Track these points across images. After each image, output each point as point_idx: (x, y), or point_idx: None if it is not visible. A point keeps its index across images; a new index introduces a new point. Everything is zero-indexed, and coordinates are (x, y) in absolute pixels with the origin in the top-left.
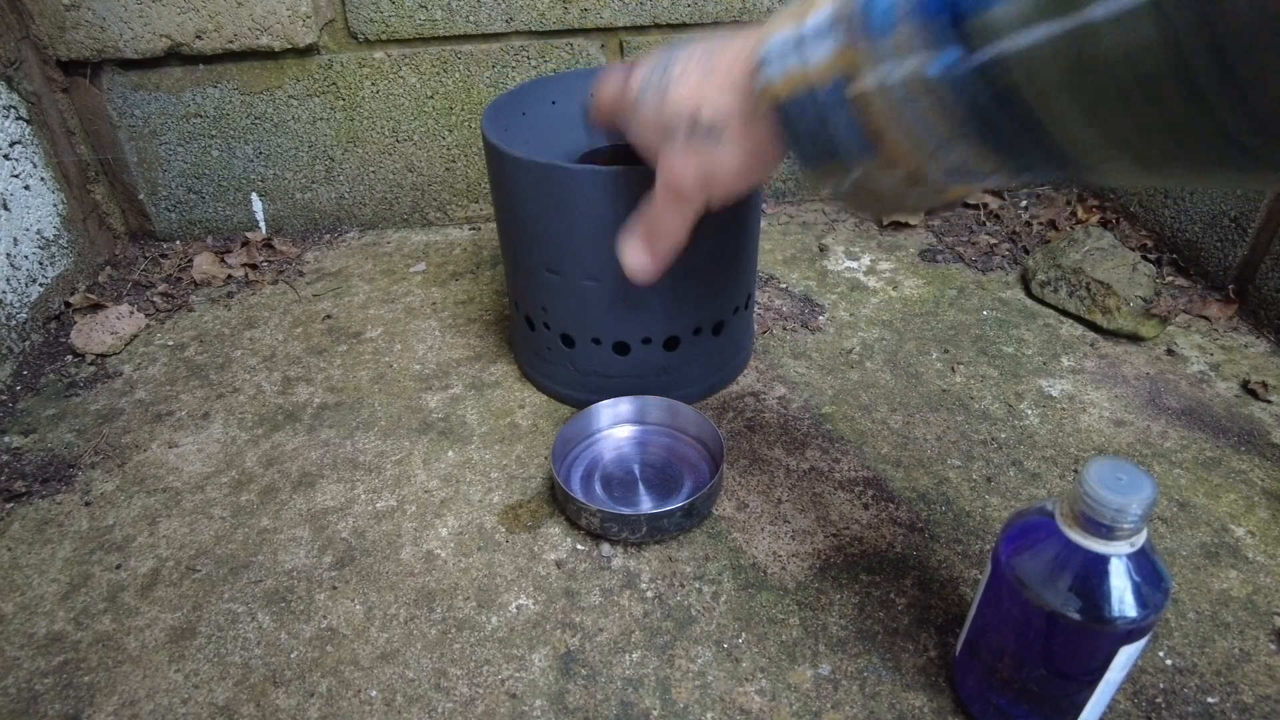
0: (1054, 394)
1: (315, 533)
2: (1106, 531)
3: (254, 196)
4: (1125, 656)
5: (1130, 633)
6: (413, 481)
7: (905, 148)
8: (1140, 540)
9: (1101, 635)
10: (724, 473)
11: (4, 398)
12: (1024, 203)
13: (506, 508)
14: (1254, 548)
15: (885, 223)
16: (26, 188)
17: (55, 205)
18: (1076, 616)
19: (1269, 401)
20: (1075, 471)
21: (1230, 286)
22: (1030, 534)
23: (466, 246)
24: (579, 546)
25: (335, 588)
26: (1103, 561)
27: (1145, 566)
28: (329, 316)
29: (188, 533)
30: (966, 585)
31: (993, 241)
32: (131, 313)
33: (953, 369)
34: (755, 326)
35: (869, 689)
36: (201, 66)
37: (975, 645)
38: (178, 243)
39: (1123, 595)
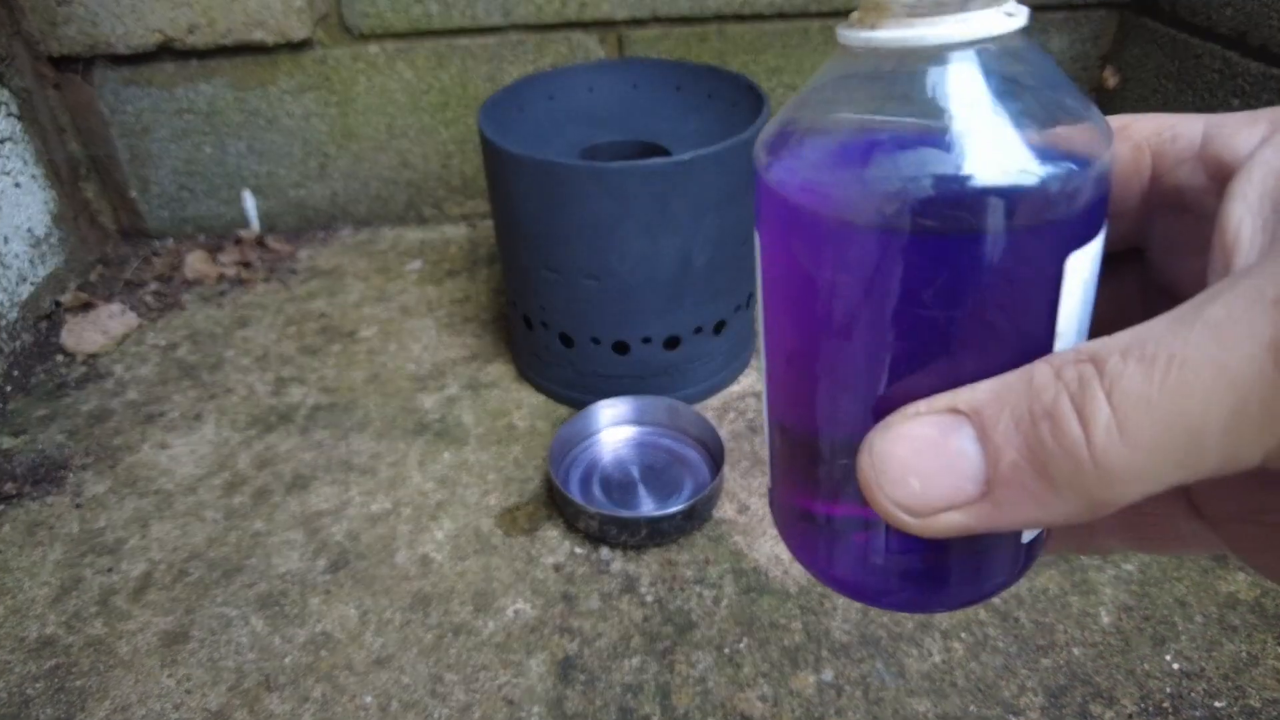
0: None
1: (309, 536)
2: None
3: (247, 194)
4: (1077, 283)
5: (1071, 222)
6: (408, 484)
7: None
8: (1010, 17)
9: (1018, 238)
10: (725, 475)
11: None
12: None
13: (503, 510)
14: None
15: None
16: (17, 185)
17: (46, 203)
18: (948, 212)
19: None
20: None
21: None
22: (799, 112)
23: (463, 244)
24: (577, 550)
25: (329, 592)
26: (959, 64)
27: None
28: (323, 315)
29: (180, 535)
30: None
31: None
32: (123, 312)
33: None
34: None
35: (872, 694)
36: (194, 62)
37: (785, 433)
38: (170, 241)
39: (1020, 121)
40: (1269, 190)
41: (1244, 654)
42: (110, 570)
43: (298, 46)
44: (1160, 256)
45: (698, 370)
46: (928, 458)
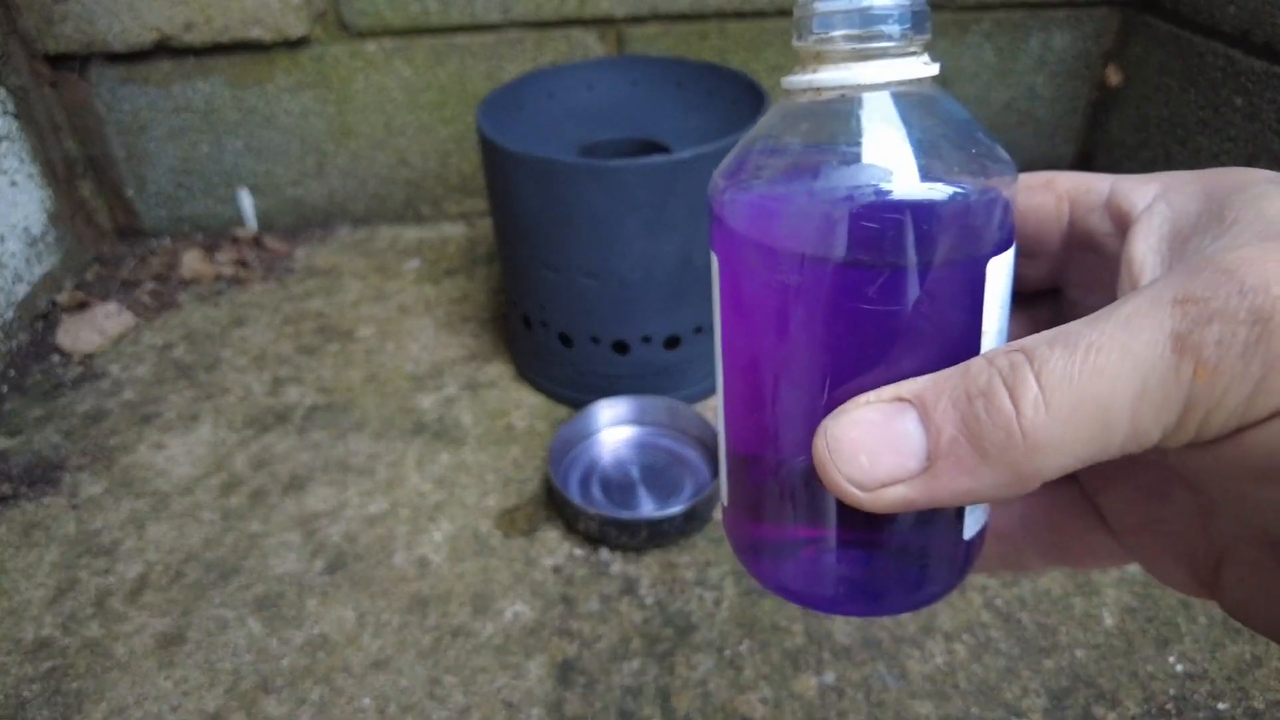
0: None
1: (306, 537)
2: (864, 23)
3: (243, 192)
4: (999, 285)
5: (988, 230)
6: (405, 485)
7: None
8: (926, 66)
9: (944, 246)
10: None
11: None
12: None
13: (502, 511)
14: None
15: None
16: (13, 184)
17: (42, 202)
18: (879, 223)
19: None
20: None
21: None
22: (746, 147)
23: (461, 243)
24: (577, 551)
25: (326, 593)
26: (884, 100)
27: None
28: (320, 315)
29: (176, 536)
30: (975, 590)
31: None
32: (119, 311)
33: None
34: None
35: (874, 697)
36: (191, 59)
37: (739, 452)
38: (166, 240)
39: (938, 146)
40: (1165, 233)
41: (1247, 655)
42: (106, 572)
43: (295, 44)
44: (1076, 292)
45: (698, 370)
46: (875, 438)
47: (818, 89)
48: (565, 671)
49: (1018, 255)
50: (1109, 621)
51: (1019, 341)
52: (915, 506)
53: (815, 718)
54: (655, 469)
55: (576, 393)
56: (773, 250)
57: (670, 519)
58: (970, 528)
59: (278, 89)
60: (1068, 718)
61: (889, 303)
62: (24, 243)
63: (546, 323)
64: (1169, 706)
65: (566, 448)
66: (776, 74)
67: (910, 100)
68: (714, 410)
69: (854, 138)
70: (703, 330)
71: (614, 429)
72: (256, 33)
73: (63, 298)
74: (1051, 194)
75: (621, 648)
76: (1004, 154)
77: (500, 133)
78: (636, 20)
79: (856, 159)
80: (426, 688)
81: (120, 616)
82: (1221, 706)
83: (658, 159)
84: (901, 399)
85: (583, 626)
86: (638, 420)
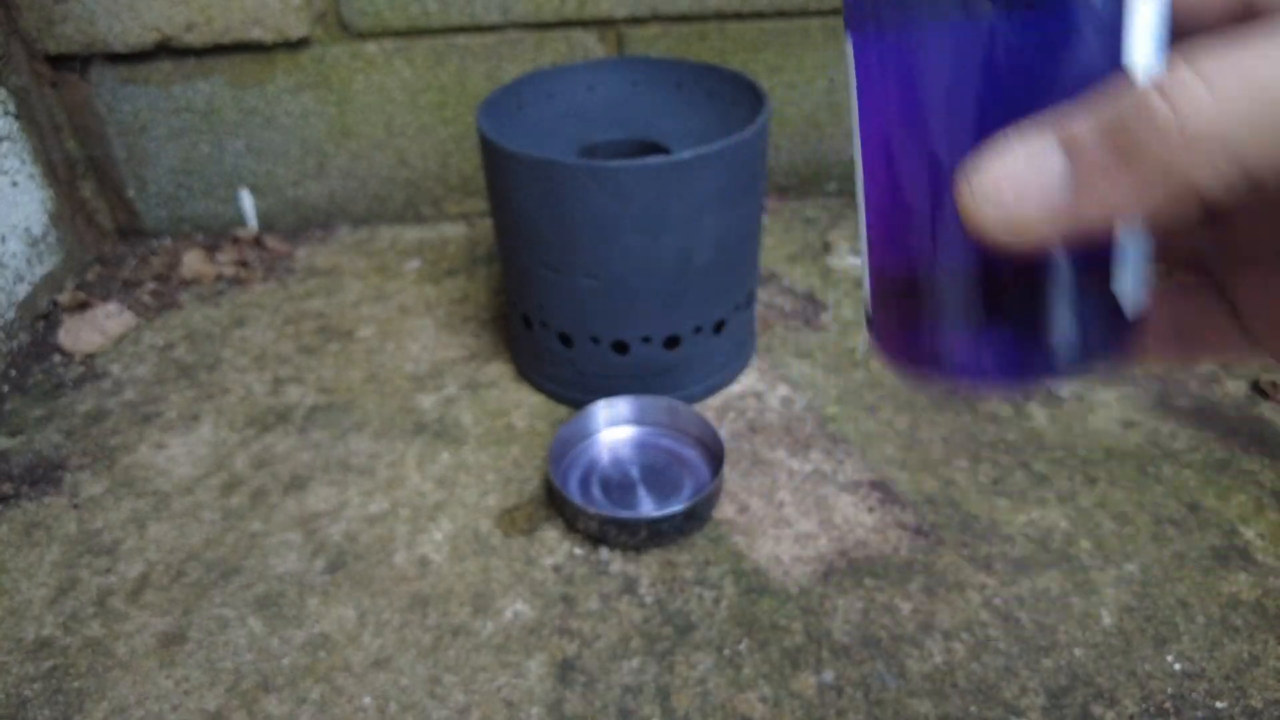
0: (1062, 394)
1: (306, 536)
2: None
3: (244, 192)
4: (1147, 15)
5: None
6: (406, 484)
7: None
8: None
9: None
10: (725, 475)
11: None
12: None
13: (502, 511)
14: (1264, 550)
15: None
16: (14, 184)
17: (43, 202)
18: None
19: (1279, 402)
20: (1084, 474)
21: None
22: None
23: (461, 243)
24: (577, 551)
25: (327, 593)
26: None
27: None
28: (320, 315)
29: (177, 536)
30: (974, 589)
31: None
32: (120, 311)
33: None
34: (757, 325)
35: (873, 696)
36: (191, 60)
37: (887, 238)
38: (167, 240)
39: None
40: None
41: (1245, 654)
42: (108, 571)
43: (296, 45)
44: None
45: (697, 370)
46: (1018, 167)
47: None
48: (565, 670)
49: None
50: (1107, 620)
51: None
52: (1063, 234)
53: (814, 716)
54: (655, 469)
55: (576, 393)
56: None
57: (670, 518)
58: (1129, 291)
59: (278, 90)
60: (1066, 716)
61: (1031, 46)
62: (25, 243)
63: (546, 323)
64: (1167, 705)
65: (566, 447)
66: (776, 75)
67: None
68: (713, 410)
69: None
70: (702, 330)
71: (614, 429)
72: (257, 33)
73: (64, 298)
74: None
75: (621, 647)
76: None
77: (500, 133)
78: (636, 21)
79: None
80: (427, 686)
81: (121, 616)
82: (1220, 705)
83: (657, 160)
84: (1043, 130)
85: (582, 625)
86: (637, 420)
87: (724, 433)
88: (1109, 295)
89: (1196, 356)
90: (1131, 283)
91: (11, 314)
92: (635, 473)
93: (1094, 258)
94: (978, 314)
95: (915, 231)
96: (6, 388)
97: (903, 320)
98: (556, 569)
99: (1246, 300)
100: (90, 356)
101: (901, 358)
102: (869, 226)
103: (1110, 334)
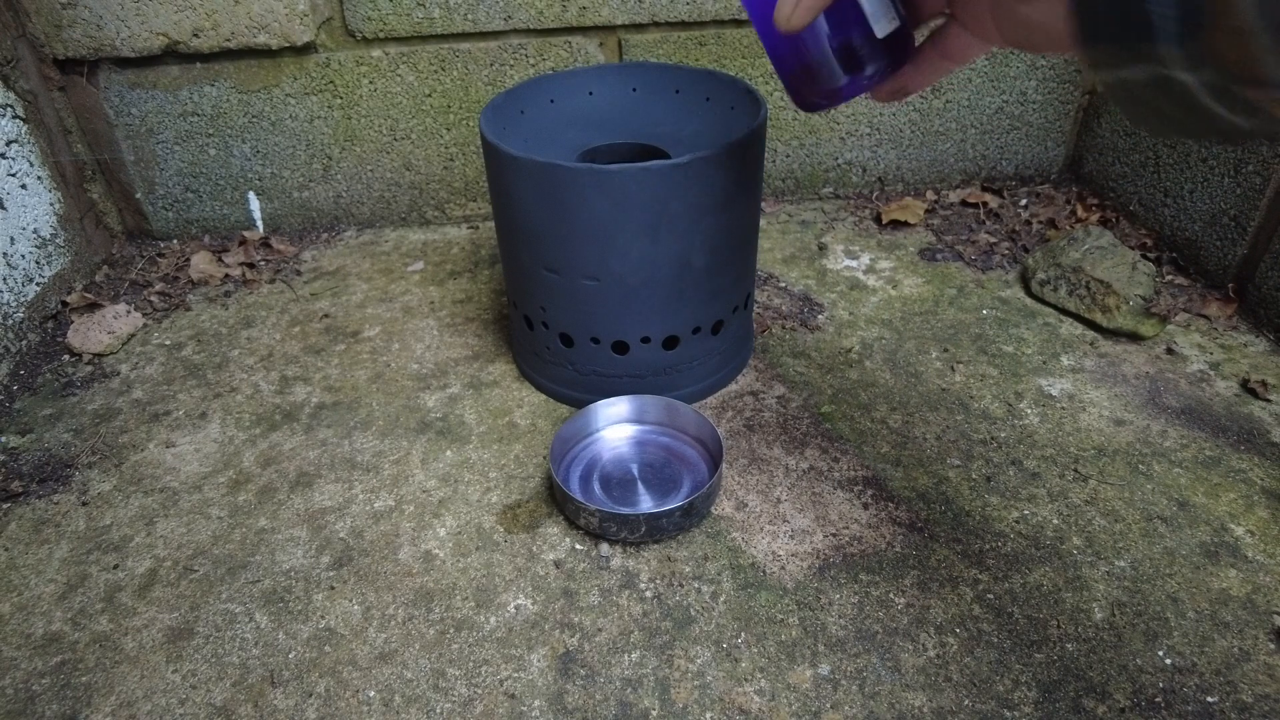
0: (1054, 393)
1: (313, 533)
2: None
3: (251, 195)
4: None
5: None
6: (411, 481)
7: (1247, 23)
8: None
9: None
10: (723, 472)
11: (1, 398)
12: (1024, 201)
13: (505, 508)
14: (1253, 547)
15: (885, 221)
16: (23, 187)
17: (52, 204)
18: None
19: (1269, 400)
20: (1075, 471)
21: (1230, 285)
22: None
23: (465, 245)
24: (578, 546)
25: (333, 588)
26: None
27: None
28: (326, 316)
29: (185, 533)
30: (967, 585)
31: (992, 240)
32: (129, 312)
33: (952, 368)
34: (754, 326)
35: (868, 689)
36: (198, 65)
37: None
38: (175, 242)
39: None
40: None
41: (1236, 649)
42: (116, 567)
43: (301, 50)
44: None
45: (696, 370)
46: None
47: None
48: (566, 663)
49: None
50: (1099, 615)
51: None
52: (822, 8)
53: (811, 709)
54: (654, 466)
55: (577, 392)
56: None
57: (669, 514)
58: (879, 27)
59: (284, 94)
60: (1058, 710)
61: None
62: (34, 244)
63: (548, 323)
64: (1158, 699)
65: (567, 445)
66: (773, 80)
67: None
68: (712, 409)
69: None
70: (700, 331)
71: (614, 427)
72: (263, 39)
73: (72, 298)
74: None
75: (621, 640)
76: None
77: (503, 138)
78: (636, 28)
79: None
80: (431, 680)
81: (129, 611)
82: (1210, 700)
83: (657, 164)
84: None
85: (583, 619)
86: (637, 419)
87: (722, 431)
88: (871, 31)
89: (953, 66)
90: (876, 18)
91: (21, 314)
92: (635, 470)
93: (851, 13)
94: (831, 69)
95: (785, 43)
96: (16, 387)
97: (799, 86)
98: (558, 564)
99: (961, 14)
100: (99, 356)
101: (806, 104)
102: (769, 51)
103: (880, 51)
